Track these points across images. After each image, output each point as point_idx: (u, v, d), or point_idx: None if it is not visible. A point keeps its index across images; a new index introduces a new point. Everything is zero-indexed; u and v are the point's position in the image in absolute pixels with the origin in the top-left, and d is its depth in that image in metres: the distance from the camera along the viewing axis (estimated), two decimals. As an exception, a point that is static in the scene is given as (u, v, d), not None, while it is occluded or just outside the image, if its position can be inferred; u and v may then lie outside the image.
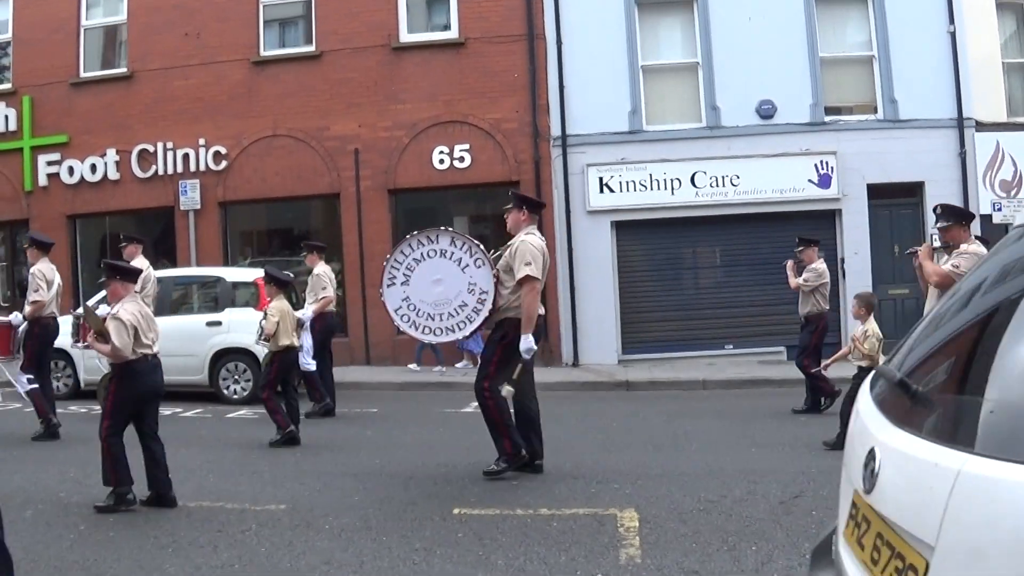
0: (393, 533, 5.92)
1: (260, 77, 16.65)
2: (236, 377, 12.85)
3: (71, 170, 17.12)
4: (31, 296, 9.68)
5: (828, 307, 11.01)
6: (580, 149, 16.04)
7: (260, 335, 9.49)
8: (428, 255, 7.49)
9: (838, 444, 8.37)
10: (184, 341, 12.39)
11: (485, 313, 7.38)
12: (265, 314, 9.40)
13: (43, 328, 9.81)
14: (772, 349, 15.67)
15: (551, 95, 16.09)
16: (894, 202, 16.22)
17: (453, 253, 7.44)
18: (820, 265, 10.98)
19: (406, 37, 16.45)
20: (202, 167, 16.66)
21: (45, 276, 9.75)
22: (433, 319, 7.49)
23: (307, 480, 7.47)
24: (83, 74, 17.31)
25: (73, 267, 17.18)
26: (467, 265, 7.41)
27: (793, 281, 11.13)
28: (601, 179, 15.98)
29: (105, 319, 6.56)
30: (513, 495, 6.91)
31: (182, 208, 16.61)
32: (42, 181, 17.24)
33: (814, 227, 16.05)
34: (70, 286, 17.16)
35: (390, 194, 16.25)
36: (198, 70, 16.72)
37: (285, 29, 17.03)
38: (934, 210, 6.91)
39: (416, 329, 7.59)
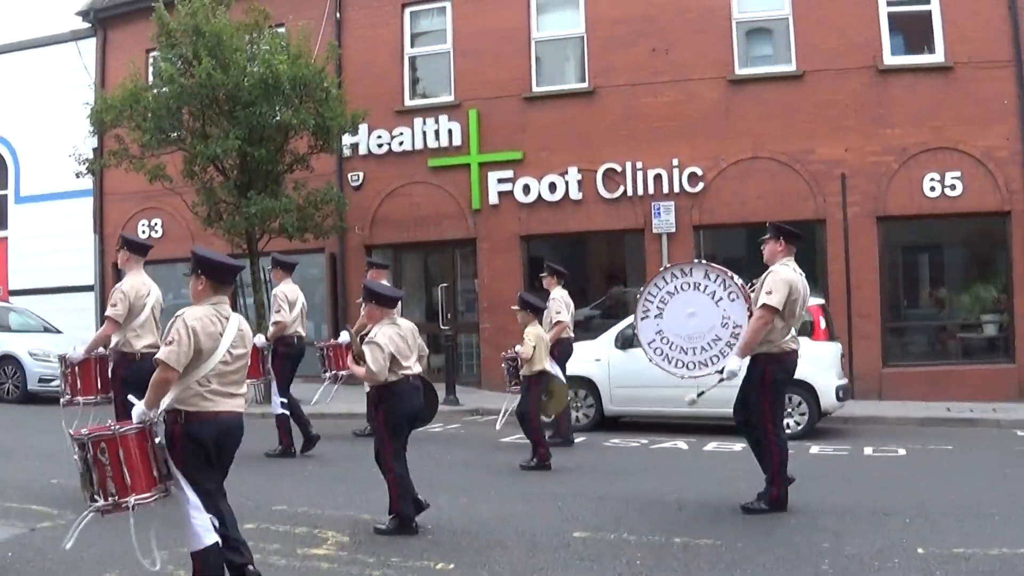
0: None
1: (738, 96, 16.17)
2: (790, 411, 12.11)
3: (526, 188, 16.54)
4: (273, 317, 10.02)
5: None
6: (1070, 178, 15.78)
7: (510, 366, 10.00)
8: (682, 288, 7.53)
9: None
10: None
11: (738, 345, 7.28)
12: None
13: (287, 347, 9.99)
14: None
15: (1040, 123, 15.80)
16: None
17: (707, 286, 7.45)
18: None
19: (891, 59, 16.03)
20: (676, 188, 16.16)
21: (287, 297, 9.98)
22: (686, 352, 7.51)
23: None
24: (536, 88, 16.69)
25: (529, 287, 16.66)
26: (721, 298, 7.39)
27: None
28: (1093, 209, 15.76)
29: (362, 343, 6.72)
30: None
31: (654, 231, 16.12)
32: (492, 199, 16.65)
33: None
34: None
35: (878, 221, 15.89)
36: (668, 87, 16.20)
37: (760, 47, 16.50)
38: None
39: (669, 363, 7.61)
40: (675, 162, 16.17)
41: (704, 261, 8.22)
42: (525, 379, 9.54)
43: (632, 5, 16.33)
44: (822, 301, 13.53)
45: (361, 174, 17.49)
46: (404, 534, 6.41)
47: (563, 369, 10.72)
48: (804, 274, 7.45)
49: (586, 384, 12.79)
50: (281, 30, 16.33)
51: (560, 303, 11.14)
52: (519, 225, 16.64)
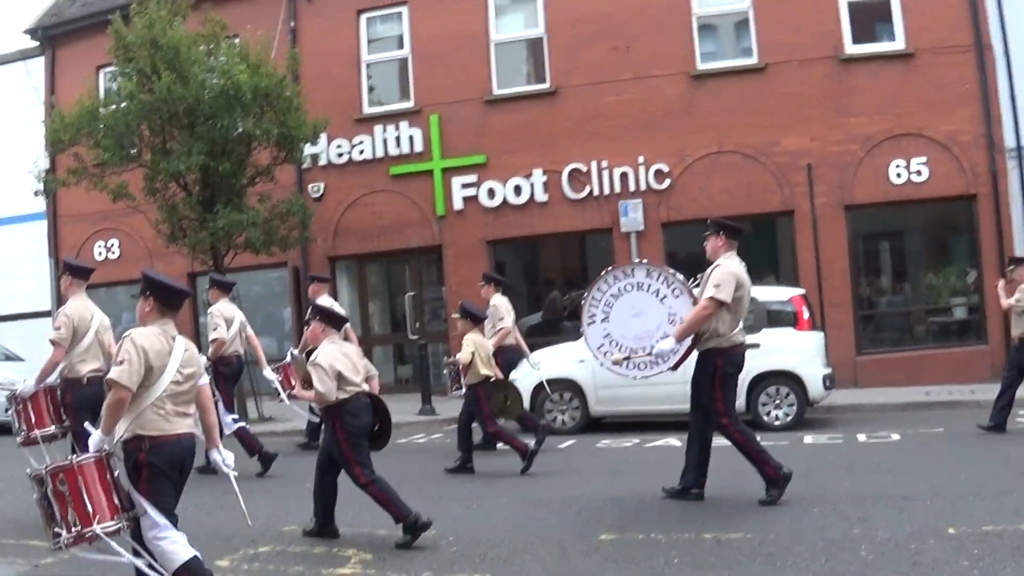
0: None
1: (700, 91, 16.05)
2: (778, 402, 12.23)
3: (491, 192, 16.30)
4: (210, 335, 10.08)
5: None
6: (1036, 160, 15.82)
7: (452, 370, 9.95)
8: (625, 289, 7.55)
9: None
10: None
11: (688, 342, 7.33)
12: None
13: (226, 367, 10.08)
14: None
15: (1003, 106, 15.82)
16: None
17: (650, 285, 7.49)
18: None
19: (852, 48, 15.99)
20: (642, 186, 16.00)
21: (224, 315, 10.08)
22: (636, 353, 7.54)
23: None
24: (497, 91, 16.46)
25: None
26: (665, 296, 7.43)
27: (1004, 302, 10.86)
28: (1059, 191, 15.80)
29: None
30: None
31: (623, 230, 15.94)
32: (457, 205, 16.39)
33: None
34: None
35: (846, 210, 15.82)
36: (630, 85, 16.05)
37: (721, 41, 16.39)
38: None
39: (619, 365, 7.63)
40: (640, 159, 16.01)
41: (645, 261, 8.25)
42: (470, 388, 9.45)
43: (591, 4, 16.17)
44: (803, 291, 13.37)
45: (322, 185, 17.17)
46: (421, 534, 6.22)
47: (505, 376, 10.52)
48: (746, 267, 7.39)
49: (571, 386, 12.49)
50: (236, 41, 15.96)
51: (501, 309, 11.03)
52: (485, 230, 16.39)
